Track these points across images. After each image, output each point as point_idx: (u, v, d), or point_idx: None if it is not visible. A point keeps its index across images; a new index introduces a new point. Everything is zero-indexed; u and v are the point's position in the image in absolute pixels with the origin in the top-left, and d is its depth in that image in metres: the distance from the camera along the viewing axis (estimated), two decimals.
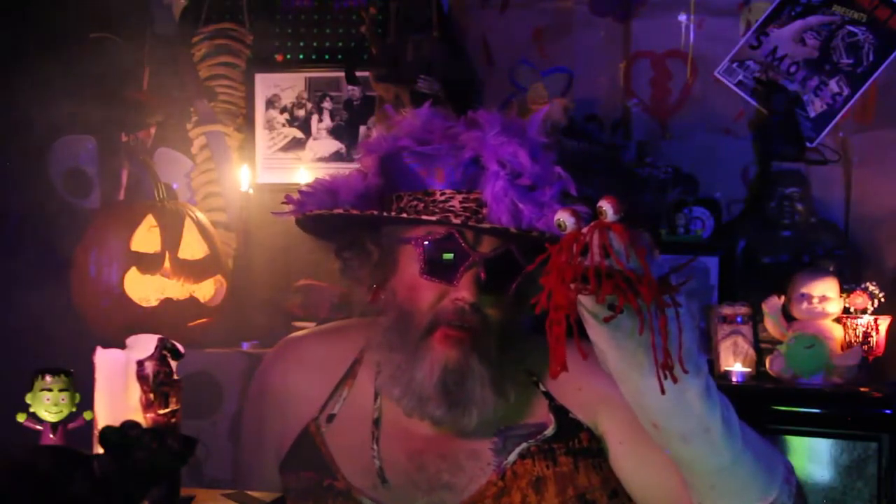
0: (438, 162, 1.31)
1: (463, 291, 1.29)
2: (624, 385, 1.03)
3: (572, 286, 0.89)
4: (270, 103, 2.74)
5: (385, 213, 1.33)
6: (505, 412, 1.35)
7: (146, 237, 2.20)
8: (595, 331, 0.97)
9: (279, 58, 2.75)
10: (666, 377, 0.93)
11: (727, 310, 2.29)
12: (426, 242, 1.31)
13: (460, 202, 1.30)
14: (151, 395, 1.12)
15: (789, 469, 1.17)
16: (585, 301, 0.93)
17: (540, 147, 1.34)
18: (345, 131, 2.69)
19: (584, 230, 0.91)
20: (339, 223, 1.39)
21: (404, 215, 1.32)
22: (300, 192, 1.41)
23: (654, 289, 0.89)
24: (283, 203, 1.41)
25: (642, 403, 1.03)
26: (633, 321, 0.91)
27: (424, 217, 1.30)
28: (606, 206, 0.90)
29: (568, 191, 1.34)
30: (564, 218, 0.92)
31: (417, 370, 1.29)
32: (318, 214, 1.36)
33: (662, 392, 0.94)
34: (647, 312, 0.89)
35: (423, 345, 1.30)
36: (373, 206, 1.38)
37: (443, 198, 1.31)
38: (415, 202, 1.32)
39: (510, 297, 1.32)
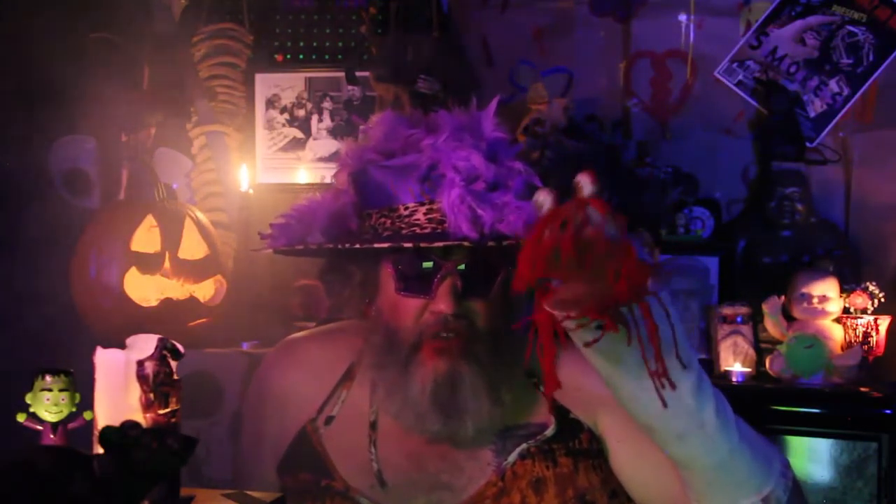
0: (402, 173, 1.29)
1: (440, 304, 1.27)
2: (616, 390, 1.03)
3: (558, 316, 0.86)
4: (270, 103, 2.74)
5: (341, 245, 1.32)
6: (504, 414, 1.35)
7: (146, 237, 2.20)
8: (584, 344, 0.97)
9: (279, 58, 2.75)
10: (663, 387, 0.92)
11: (727, 310, 2.29)
12: (396, 260, 1.31)
13: (424, 214, 1.28)
14: (151, 395, 1.12)
15: (785, 464, 1.17)
16: (569, 325, 0.91)
17: (497, 143, 1.31)
18: (345, 131, 2.69)
19: (562, 206, 0.87)
20: (316, 249, 1.39)
21: (357, 245, 1.30)
22: (272, 225, 1.39)
23: (634, 258, 0.84)
24: (261, 238, 1.40)
25: (636, 407, 1.03)
26: (619, 330, 0.90)
27: (377, 244, 1.28)
28: (584, 181, 0.86)
29: (532, 183, 1.29)
30: (542, 197, 0.89)
31: (411, 387, 1.29)
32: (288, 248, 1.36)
33: (665, 405, 0.94)
34: (634, 323, 0.87)
35: (412, 361, 1.29)
36: (348, 224, 1.38)
37: (407, 212, 1.29)
38: (382, 219, 1.31)
39: (493, 300, 1.31)
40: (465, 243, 1.23)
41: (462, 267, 1.29)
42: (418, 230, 1.27)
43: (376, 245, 1.28)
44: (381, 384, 1.35)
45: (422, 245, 1.25)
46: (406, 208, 1.29)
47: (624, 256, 0.84)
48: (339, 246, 1.32)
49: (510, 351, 1.34)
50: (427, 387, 1.27)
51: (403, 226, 1.29)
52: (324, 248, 1.35)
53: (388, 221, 1.30)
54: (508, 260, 1.30)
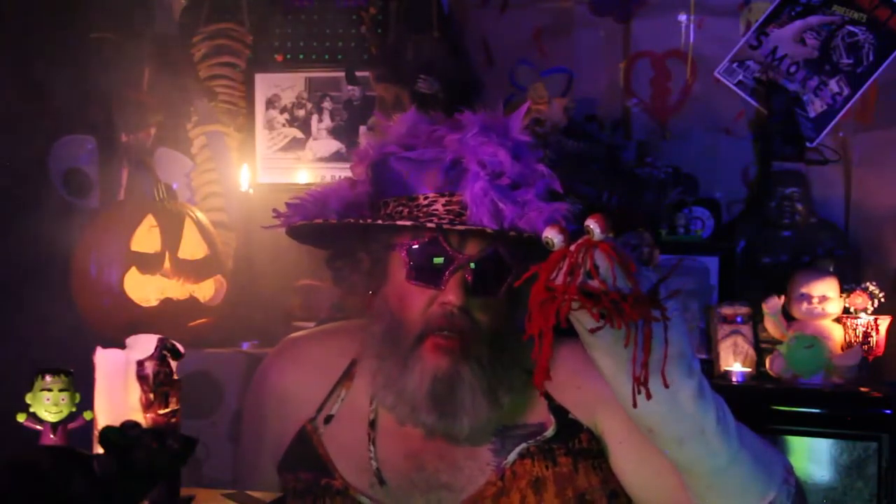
0: (423, 166, 1.30)
1: (450, 295, 1.28)
2: (618, 390, 1.03)
3: (572, 305, 0.89)
4: (270, 103, 2.74)
5: (362, 220, 1.33)
6: (503, 414, 1.35)
7: (146, 237, 2.20)
8: (587, 339, 0.98)
9: (279, 58, 2.75)
10: (640, 392, 0.94)
11: (727, 310, 2.29)
12: (410, 247, 1.31)
13: (443, 205, 1.29)
14: (151, 395, 1.12)
15: (788, 469, 1.17)
16: (575, 313, 0.94)
17: (522, 145, 1.33)
18: (345, 131, 2.68)
19: (572, 248, 0.91)
20: (328, 233, 1.39)
21: (379, 221, 1.31)
22: (288, 204, 1.40)
23: (640, 307, 0.89)
24: (274, 216, 1.41)
25: (636, 410, 1.03)
26: (621, 331, 0.92)
27: (399, 222, 1.29)
28: (593, 226, 0.90)
29: (553, 188, 1.32)
30: (552, 235, 0.93)
31: (409, 379, 1.29)
32: (304, 225, 1.37)
33: (635, 405, 0.97)
34: (634, 325, 0.90)
35: (413, 354, 1.30)
36: (362, 214, 1.38)
37: (426, 202, 1.30)
38: (400, 208, 1.32)
39: (501, 298, 1.32)
40: (488, 230, 1.25)
41: (473, 265, 1.29)
42: (436, 220, 1.28)
43: (399, 223, 1.29)
44: (380, 375, 1.35)
45: (444, 227, 1.27)
46: (426, 198, 1.30)
47: (628, 304, 0.88)
48: (361, 221, 1.33)
49: (511, 351, 1.34)
50: (425, 382, 1.28)
51: (421, 214, 1.30)
52: (338, 228, 1.36)
53: (406, 210, 1.31)
54: (520, 260, 1.30)
